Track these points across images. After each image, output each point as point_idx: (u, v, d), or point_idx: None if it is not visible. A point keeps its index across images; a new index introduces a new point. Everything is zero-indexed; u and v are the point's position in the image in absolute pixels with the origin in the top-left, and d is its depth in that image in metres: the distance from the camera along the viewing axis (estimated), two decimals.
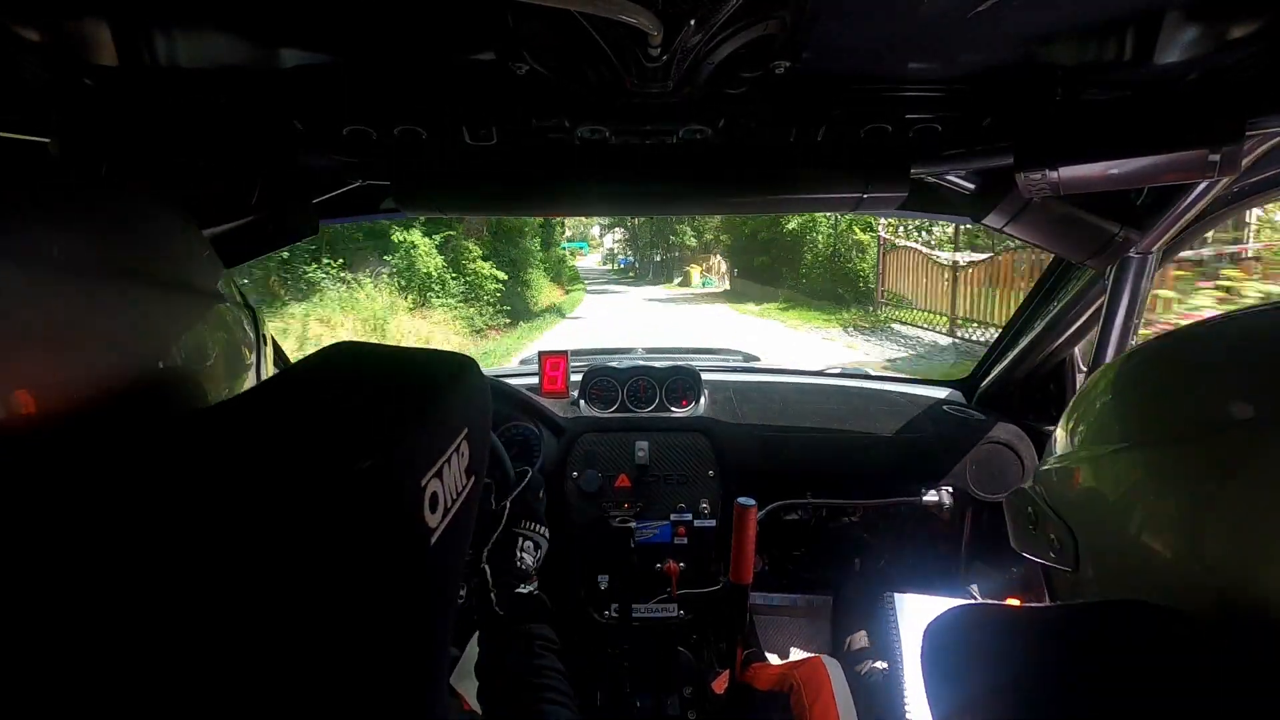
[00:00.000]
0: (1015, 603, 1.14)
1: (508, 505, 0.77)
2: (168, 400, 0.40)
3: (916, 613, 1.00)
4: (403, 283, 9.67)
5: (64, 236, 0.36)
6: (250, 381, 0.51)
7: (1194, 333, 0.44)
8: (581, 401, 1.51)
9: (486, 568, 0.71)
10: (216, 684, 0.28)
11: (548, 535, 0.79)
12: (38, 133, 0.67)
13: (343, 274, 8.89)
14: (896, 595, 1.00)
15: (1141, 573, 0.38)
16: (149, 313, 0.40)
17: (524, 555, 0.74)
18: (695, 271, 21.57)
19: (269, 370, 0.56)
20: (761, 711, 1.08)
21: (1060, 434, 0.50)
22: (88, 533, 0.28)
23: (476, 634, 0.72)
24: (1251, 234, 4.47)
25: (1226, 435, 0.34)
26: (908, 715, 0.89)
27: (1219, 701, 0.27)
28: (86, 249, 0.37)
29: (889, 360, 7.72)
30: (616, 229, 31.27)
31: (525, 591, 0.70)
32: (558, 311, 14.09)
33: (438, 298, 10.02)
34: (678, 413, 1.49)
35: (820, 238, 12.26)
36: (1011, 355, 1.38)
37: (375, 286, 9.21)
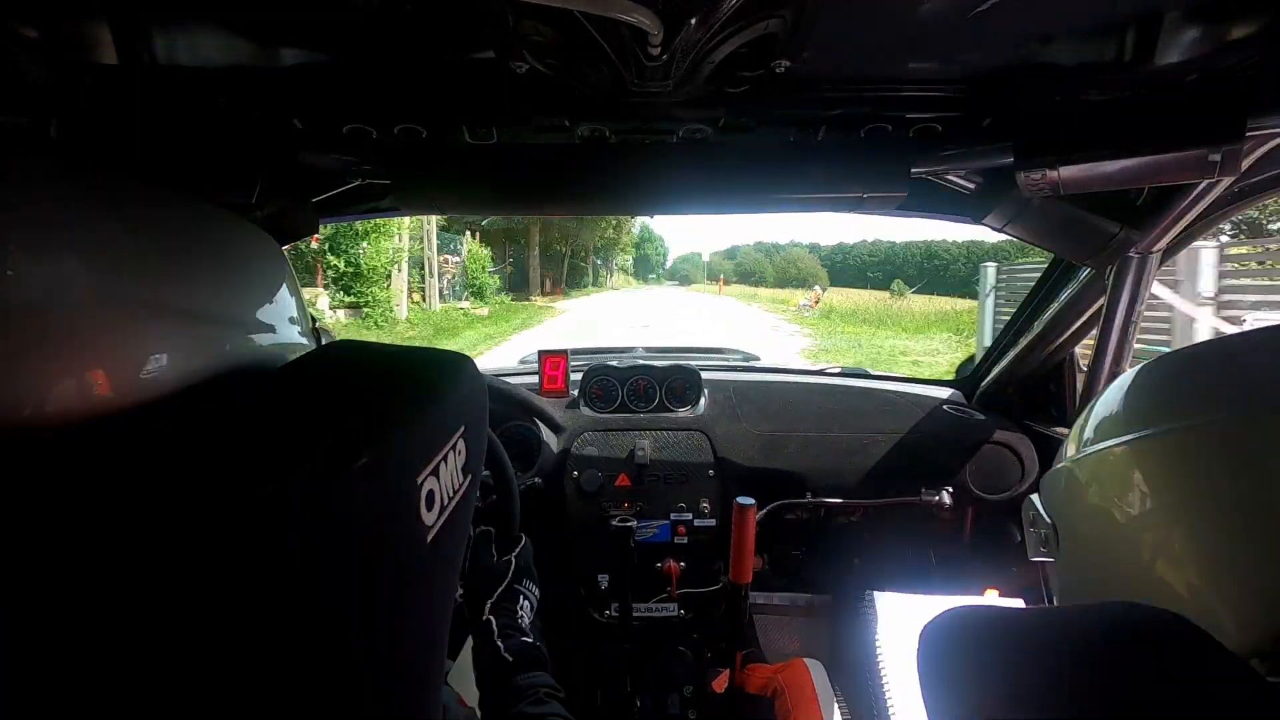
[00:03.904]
0: (1016, 602, 1.14)
1: (514, 560, 0.79)
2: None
3: (895, 610, 1.00)
4: None
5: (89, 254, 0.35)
6: None
7: (1180, 351, 0.50)
8: (581, 401, 1.51)
9: (491, 619, 0.73)
10: (215, 680, 0.28)
11: (539, 594, 0.82)
12: (37, 133, 0.67)
13: None
14: (876, 594, 1.00)
15: (1109, 565, 0.44)
16: (163, 340, 0.39)
17: (523, 612, 0.76)
18: None
19: None
20: (752, 714, 1.09)
21: (1063, 448, 0.57)
22: (79, 530, 0.28)
23: (469, 643, 0.74)
24: None
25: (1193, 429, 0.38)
26: (888, 712, 0.90)
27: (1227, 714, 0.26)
28: (119, 276, 0.36)
29: None
30: None
31: (529, 642, 0.72)
32: None
33: None
34: (678, 412, 1.49)
35: None
36: (1011, 355, 1.37)
37: None
